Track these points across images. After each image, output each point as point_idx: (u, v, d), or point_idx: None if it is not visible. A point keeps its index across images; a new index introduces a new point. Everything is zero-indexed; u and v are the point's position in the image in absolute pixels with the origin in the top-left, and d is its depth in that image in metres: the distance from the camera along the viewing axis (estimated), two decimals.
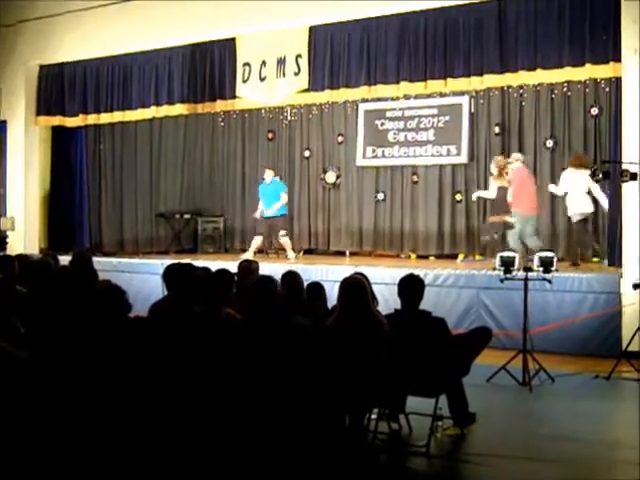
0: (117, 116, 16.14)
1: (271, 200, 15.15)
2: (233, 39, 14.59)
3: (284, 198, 15.21)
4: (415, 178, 16.23)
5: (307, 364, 5.97)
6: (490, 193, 13.69)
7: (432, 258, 15.64)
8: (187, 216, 18.17)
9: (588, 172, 12.85)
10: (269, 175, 15.50)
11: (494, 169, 13.58)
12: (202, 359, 5.66)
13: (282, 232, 15.12)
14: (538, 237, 13.08)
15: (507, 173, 13.27)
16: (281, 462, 5.46)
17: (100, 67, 16.10)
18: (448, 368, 6.84)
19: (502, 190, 13.38)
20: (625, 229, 11.07)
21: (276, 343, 5.91)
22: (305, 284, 7.52)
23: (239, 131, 18.56)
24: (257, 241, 15.25)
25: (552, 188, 13.46)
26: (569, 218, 13.42)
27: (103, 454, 4.91)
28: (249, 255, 14.81)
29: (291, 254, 15.14)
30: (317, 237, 17.34)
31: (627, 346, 9.63)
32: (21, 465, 4.77)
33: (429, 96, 15.54)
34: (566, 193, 13.11)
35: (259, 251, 15.81)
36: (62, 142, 17.23)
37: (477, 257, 14.32)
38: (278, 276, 7.41)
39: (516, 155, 13.50)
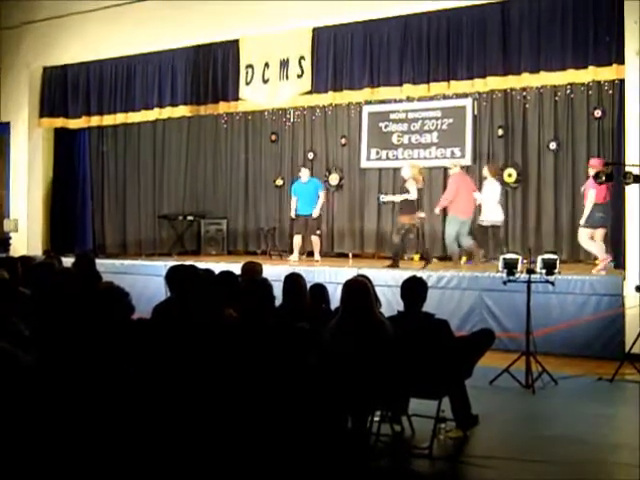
0: (120, 118, 16.14)
1: (309, 199, 15.12)
2: (236, 41, 14.58)
3: (323, 197, 15.24)
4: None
5: (308, 366, 5.97)
6: (412, 195, 13.71)
7: (435, 260, 15.63)
8: (190, 218, 18.16)
9: (499, 183, 13.94)
10: (305, 174, 15.46)
11: (410, 173, 13.79)
12: (205, 361, 5.66)
13: (317, 232, 15.14)
14: (471, 237, 13.81)
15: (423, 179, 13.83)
16: (284, 464, 5.45)
17: (103, 69, 16.11)
18: (451, 370, 6.84)
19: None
20: (628, 231, 11.06)
21: (275, 345, 5.91)
22: (308, 286, 7.53)
23: (242, 133, 18.58)
24: (297, 240, 15.25)
25: (477, 195, 13.97)
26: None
27: (107, 455, 4.91)
28: (295, 257, 15.04)
29: (318, 256, 15.21)
30: (320, 239, 17.32)
31: (630, 348, 9.62)
32: (25, 465, 4.77)
33: (432, 98, 15.55)
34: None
35: (263, 252, 15.84)
36: (65, 144, 17.26)
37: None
38: (282, 278, 7.44)
39: (455, 161, 14.25)
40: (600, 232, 12.23)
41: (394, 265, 13.28)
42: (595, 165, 12.27)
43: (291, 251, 15.34)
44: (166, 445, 5.13)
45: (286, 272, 7.92)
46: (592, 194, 12.04)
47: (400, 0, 12.69)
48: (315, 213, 15.03)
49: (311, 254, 16.14)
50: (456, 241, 13.85)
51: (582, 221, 12.36)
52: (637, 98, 11.03)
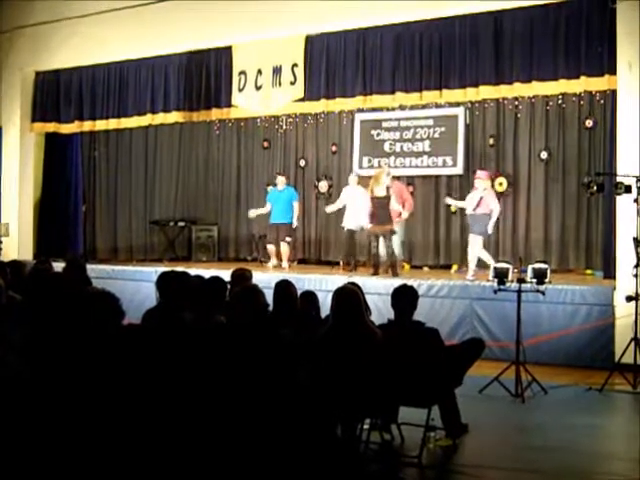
0: (112, 123, 16.12)
1: (283, 207, 15.14)
2: (229, 48, 14.58)
3: (297, 208, 15.24)
4: (411, 189, 16.24)
5: (296, 374, 5.96)
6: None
7: (426, 268, 15.65)
8: (181, 224, 18.14)
9: (367, 190, 14.01)
10: (281, 181, 15.48)
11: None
12: (194, 367, 5.65)
13: (287, 239, 15.08)
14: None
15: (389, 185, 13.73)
16: (274, 471, 5.45)
17: (96, 74, 16.09)
18: (441, 379, 6.84)
19: (379, 201, 13.51)
20: (619, 241, 11.08)
21: (263, 352, 5.91)
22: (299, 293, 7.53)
23: (234, 140, 18.57)
24: (271, 249, 15.30)
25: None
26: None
27: (96, 460, 4.90)
28: (274, 262, 15.15)
29: (285, 263, 15.11)
30: (310, 246, 17.34)
31: (620, 358, 9.64)
32: (18, 471, 4.77)
33: (425, 107, 15.60)
34: (345, 206, 14.66)
35: (254, 259, 15.85)
36: (57, 149, 17.24)
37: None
38: (272, 285, 7.44)
39: (387, 169, 14.22)
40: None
41: (376, 273, 13.30)
42: (483, 177, 13.20)
43: (280, 258, 15.37)
44: (156, 451, 5.12)
45: (277, 279, 7.92)
46: (496, 203, 13.05)
47: (393, 9, 12.68)
48: (294, 223, 15.13)
49: (302, 261, 16.18)
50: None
51: (487, 229, 13.02)
52: (628, 109, 11.06)
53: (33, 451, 4.83)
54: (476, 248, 13.00)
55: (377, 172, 14.09)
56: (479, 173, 13.51)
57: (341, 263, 15.03)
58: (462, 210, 14.23)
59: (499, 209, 13.22)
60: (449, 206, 15.04)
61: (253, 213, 15.57)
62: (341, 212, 14.91)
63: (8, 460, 4.75)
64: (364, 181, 14.36)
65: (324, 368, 6.24)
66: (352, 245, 14.67)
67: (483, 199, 12.90)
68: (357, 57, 13.43)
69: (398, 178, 14.78)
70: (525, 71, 12.09)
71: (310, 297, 7.58)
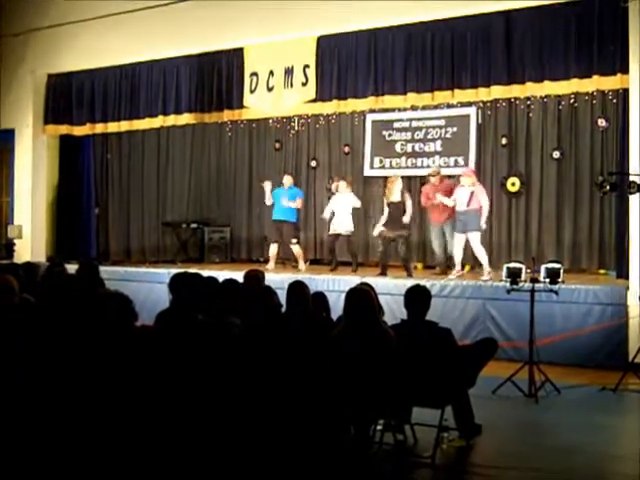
0: (124, 125, 16.17)
1: (286, 206, 15.16)
2: (241, 49, 14.61)
3: (299, 203, 15.23)
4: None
5: (310, 374, 5.97)
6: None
7: (439, 268, 15.61)
8: (194, 225, 18.17)
9: (353, 194, 14.88)
10: (288, 181, 15.50)
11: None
12: (208, 368, 5.66)
13: (293, 240, 15.08)
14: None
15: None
16: (287, 472, 5.45)
17: (108, 76, 16.16)
18: (454, 379, 6.84)
19: (395, 206, 13.64)
20: (632, 241, 11.05)
21: (278, 353, 5.92)
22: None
23: (246, 141, 18.57)
24: (273, 249, 15.25)
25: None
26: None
27: (107, 460, 4.91)
28: (272, 265, 15.00)
29: (302, 265, 15.12)
30: (323, 247, 17.33)
31: (634, 358, 9.60)
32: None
33: (436, 107, 15.56)
34: (333, 212, 14.94)
35: (266, 260, 15.85)
36: (70, 151, 17.30)
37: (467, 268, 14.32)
38: (285, 286, 7.44)
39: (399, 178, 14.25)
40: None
41: (383, 274, 13.33)
42: (469, 174, 13.39)
43: (295, 260, 15.37)
44: (171, 452, 5.14)
45: (289, 280, 7.92)
46: (487, 198, 13.13)
47: (405, 9, 12.68)
48: (289, 204, 15.07)
49: (315, 262, 16.16)
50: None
51: (481, 224, 13.06)
52: None
53: (48, 450, 4.85)
54: (477, 244, 12.98)
55: (390, 179, 14.13)
56: (465, 170, 13.72)
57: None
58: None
59: (488, 203, 13.30)
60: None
61: (267, 186, 15.49)
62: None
63: (21, 459, 4.77)
64: (373, 182, 14.46)
65: (337, 368, 6.24)
66: (332, 247, 15.09)
67: (474, 194, 12.92)
68: (368, 58, 13.45)
69: (449, 177, 14.75)
70: (537, 70, 12.08)
71: (320, 298, 7.59)
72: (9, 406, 5.13)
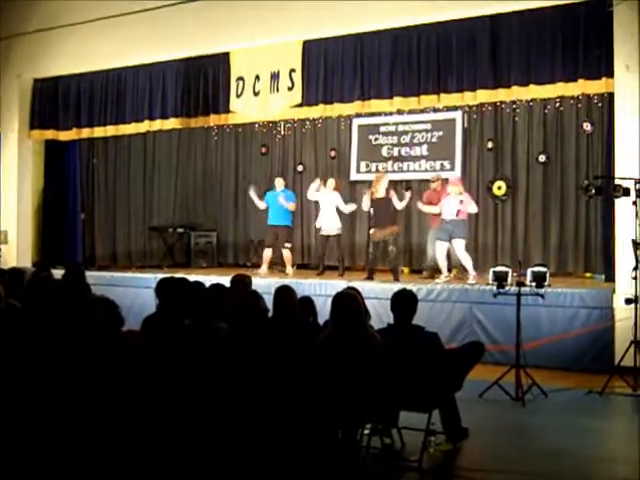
0: (110, 130, 16.14)
1: (279, 209, 15.15)
2: (227, 54, 14.61)
3: (292, 206, 15.25)
4: (409, 193, 16.26)
5: (298, 378, 5.96)
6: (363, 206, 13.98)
7: (425, 273, 15.62)
8: (180, 230, 18.14)
9: (339, 195, 14.97)
10: (280, 184, 15.52)
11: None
12: (195, 373, 5.65)
13: (287, 244, 15.13)
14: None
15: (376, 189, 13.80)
16: (274, 476, 5.45)
17: (94, 81, 16.13)
18: (441, 383, 6.84)
19: (380, 203, 13.61)
20: (618, 244, 11.08)
21: (263, 357, 5.91)
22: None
23: (232, 145, 18.56)
24: (268, 253, 15.25)
25: (426, 208, 14.18)
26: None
27: (98, 464, 4.90)
28: (264, 269, 15.02)
29: (289, 269, 15.13)
30: (310, 252, 17.33)
31: (620, 361, 9.64)
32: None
33: (422, 111, 15.56)
34: (319, 207, 15.21)
35: (253, 265, 15.84)
36: (55, 156, 17.26)
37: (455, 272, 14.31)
38: (272, 290, 7.43)
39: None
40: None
41: (370, 278, 13.33)
42: (457, 182, 13.41)
43: (283, 264, 15.37)
44: (157, 456, 5.13)
45: (276, 285, 7.92)
46: (475, 206, 13.32)
47: (390, 13, 12.69)
48: (288, 206, 15.11)
49: (302, 266, 16.14)
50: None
51: (462, 233, 13.14)
52: (626, 111, 11.08)
53: (35, 456, 4.83)
54: (462, 251, 13.03)
55: (378, 175, 14.19)
56: (451, 179, 13.69)
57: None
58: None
59: (476, 210, 13.58)
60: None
61: (252, 193, 15.58)
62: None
63: (10, 464, 4.76)
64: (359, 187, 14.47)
65: (324, 372, 6.24)
66: (323, 250, 15.13)
67: (464, 204, 12.95)
68: (354, 62, 13.46)
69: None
70: (523, 74, 12.11)
71: (307, 303, 7.58)
72: (6, 407, 5.12)
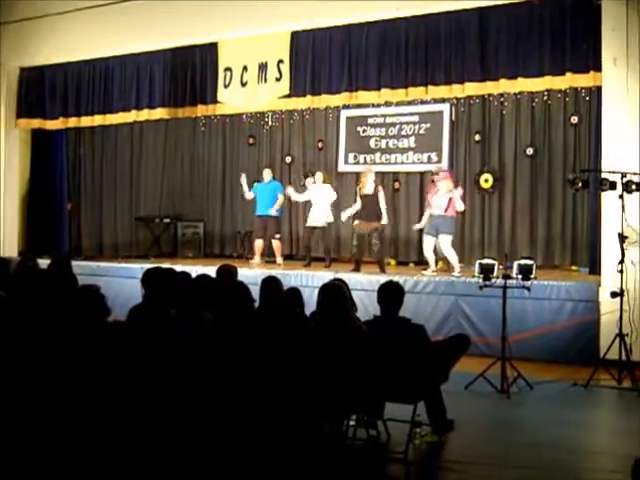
0: (97, 119, 16.06)
1: (267, 200, 15.18)
2: (215, 44, 14.55)
3: (281, 198, 15.24)
4: (397, 185, 16.31)
5: (281, 370, 5.96)
6: (357, 206, 13.94)
7: (412, 265, 15.66)
8: (167, 220, 18.15)
9: (330, 187, 15.05)
10: (268, 175, 15.54)
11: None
12: (181, 363, 5.65)
13: (277, 235, 15.17)
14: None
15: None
16: (259, 468, 5.44)
17: (81, 70, 16.05)
18: (427, 375, 6.85)
19: (368, 198, 13.61)
20: (604, 237, 11.11)
21: (246, 350, 5.91)
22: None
23: (220, 136, 18.57)
24: (258, 243, 15.29)
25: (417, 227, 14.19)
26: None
27: (84, 454, 4.90)
28: (257, 260, 15.08)
29: (279, 259, 15.16)
30: (297, 243, 17.34)
31: (605, 354, 9.68)
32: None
33: (410, 103, 15.56)
34: (310, 203, 15.17)
35: (240, 255, 15.82)
36: (42, 145, 17.16)
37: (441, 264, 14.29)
38: (259, 281, 7.43)
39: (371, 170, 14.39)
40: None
41: (356, 269, 13.33)
42: (448, 178, 13.34)
43: (273, 254, 15.41)
44: (142, 446, 5.12)
45: (263, 275, 7.91)
46: (462, 203, 13.22)
47: (379, 5, 12.67)
48: (272, 212, 15.11)
49: (288, 257, 16.14)
50: None
51: (449, 229, 13.14)
52: (613, 105, 11.09)
53: (25, 446, 4.83)
54: (447, 246, 13.03)
55: (363, 172, 14.15)
56: (442, 174, 13.53)
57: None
58: None
59: (464, 207, 13.57)
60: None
61: (243, 180, 15.62)
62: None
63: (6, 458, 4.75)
64: (347, 177, 14.45)
65: (310, 364, 6.23)
66: (308, 242, 15.19)
67: (452, 200, 12.95)
68: (343, 53, 13.41)
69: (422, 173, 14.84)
70: (510, 67, 12.08)
71: (294, 294, 7.58)
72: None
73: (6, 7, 16.24)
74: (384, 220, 13.59)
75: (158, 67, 15.09)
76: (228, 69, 14.42)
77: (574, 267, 14.25)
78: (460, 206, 13.14)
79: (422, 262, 14.78)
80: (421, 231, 13.87)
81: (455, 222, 13.37)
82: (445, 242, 13.01)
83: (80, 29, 15.23)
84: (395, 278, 10.29)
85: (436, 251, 13.39)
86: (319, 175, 15.08)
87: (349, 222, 14.23)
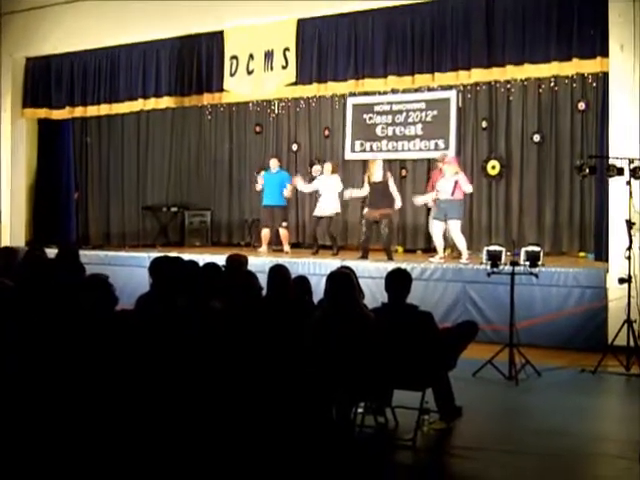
0: (104, 109, 16.05)
1: (275, 190, 15.18)
2: (221, 32, 14.51)
3: (289, 190, 15.24)
4: (403, 172, 16.29)
5: (292, 357, 5.97)
6: (363, 191, 13.91)
7: (419, 252, 15.65)
8: (174, 209, 18.15)
9: (338, 177, 14.94)
10: (275, 164, 15.53)
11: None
12: (189, 352, 5.66)
13: (283, 223, 15.18)
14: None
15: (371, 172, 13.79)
16: (267, 455, 5.46)
17: (87, 59, 16.02)
18: (435, 362, 6.86)
19: (377, 186, 13.59)
20: (611, 224, 11.09)
21: (260, 336, 5.92)
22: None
23: (226, 124, 18.57)
24: (265, 232, 15.29)
25: (419, 199, 14.10)
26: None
27: (90, 445, 4.91)
28: (264, 249, 15.10)
29: (287, 247, 15.19)
30: (305, 231, 17.34)
31: (613, 340, 9.68)
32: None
33: (417, 90, 15.55)
34: (319, 194, 15.03)
35: (247, 244, 15.81)
36: (49, 135, 17.16)
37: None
38: (266, 269, 7.43)
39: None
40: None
41: (364, 257, 13.32)
42: (453, 162, 13.40)
43: (280, 243, 15.43)
44: (148, 434, 5.13)
45: (270, 264, 7.91)
46: (470, 186, 13.24)
47: None
48: (273, 201, 15.18)
49: (295, 245, 16.15)
50: None
51: (458, 214, 13.10)
52: (620, 91, 11.06)
53: (28, 437, 4.84)
54: (457, 232, 13.00)
55: (371, 161, 14.12)
56: (448, 158, 13.58)
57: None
58: None
59: (471, 190, 13.52)
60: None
61: (260, 179, 15.66)
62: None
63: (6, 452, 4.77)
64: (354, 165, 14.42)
65: (318, 352, 6.25)
66: (314, 231, 15.20)
67: (458, 184, 12.91)
68: (349, 41, 13.38)
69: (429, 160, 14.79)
70: (517, 53, 12.04)
71: (302, 282, 7.58)
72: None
73: None
74: (397, 204, 13.59)
75: (164, 56, 15.07)
76: (234, 57, 14.39)
77: (582, 254, 14.22)
78: (468, 188, 13.10)
79: (430, 249, 14.79)
80: (428, 217, 13.86)
81: (463, 205, 13.30)
82: (454, 228, 12.99)
83: (86, 18, 15.22)
84: (403, 265, 10.31)
85: (445, 237, 13.37)
86: (328, 165, 15.05)
87: (356, 210, 14.21)
